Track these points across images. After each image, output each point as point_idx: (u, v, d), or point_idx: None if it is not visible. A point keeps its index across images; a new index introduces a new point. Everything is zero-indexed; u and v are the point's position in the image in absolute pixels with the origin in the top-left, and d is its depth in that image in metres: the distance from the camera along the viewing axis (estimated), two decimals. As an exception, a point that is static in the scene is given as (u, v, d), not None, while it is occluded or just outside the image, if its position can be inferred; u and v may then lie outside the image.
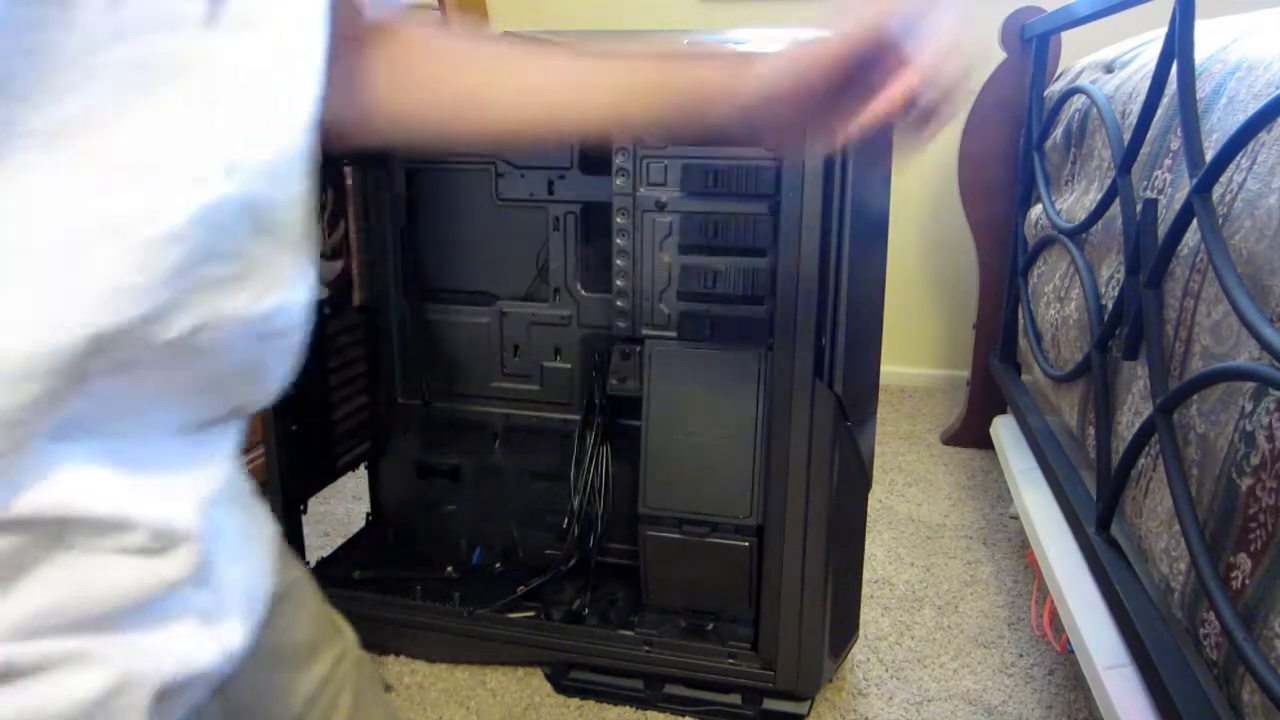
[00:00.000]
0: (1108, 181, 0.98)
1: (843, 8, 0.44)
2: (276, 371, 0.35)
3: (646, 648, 0.99)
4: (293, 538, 1.09)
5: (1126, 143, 0.93)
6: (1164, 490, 0.74)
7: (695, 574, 0.99)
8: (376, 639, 1.08)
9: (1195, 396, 0.71)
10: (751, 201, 0.90)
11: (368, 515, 1.22)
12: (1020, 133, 1.54)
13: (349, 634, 0.47)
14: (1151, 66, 0.90)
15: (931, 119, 0.45)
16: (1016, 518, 1.33)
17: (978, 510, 1.49)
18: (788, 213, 0.85)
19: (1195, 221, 0.71)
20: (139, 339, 0.28)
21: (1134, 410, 0.85)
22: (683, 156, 0.91)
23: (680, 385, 0.94)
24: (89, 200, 0.26)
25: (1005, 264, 1.58)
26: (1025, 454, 1.25)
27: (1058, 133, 1.28)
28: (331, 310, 1.07)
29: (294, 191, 0.33)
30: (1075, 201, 1.16)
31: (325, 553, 1.18)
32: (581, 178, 1.00)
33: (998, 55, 1.58)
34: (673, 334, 0.95)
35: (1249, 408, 0.63)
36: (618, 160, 0.93)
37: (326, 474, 1.12)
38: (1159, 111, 0.89)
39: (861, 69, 0.43)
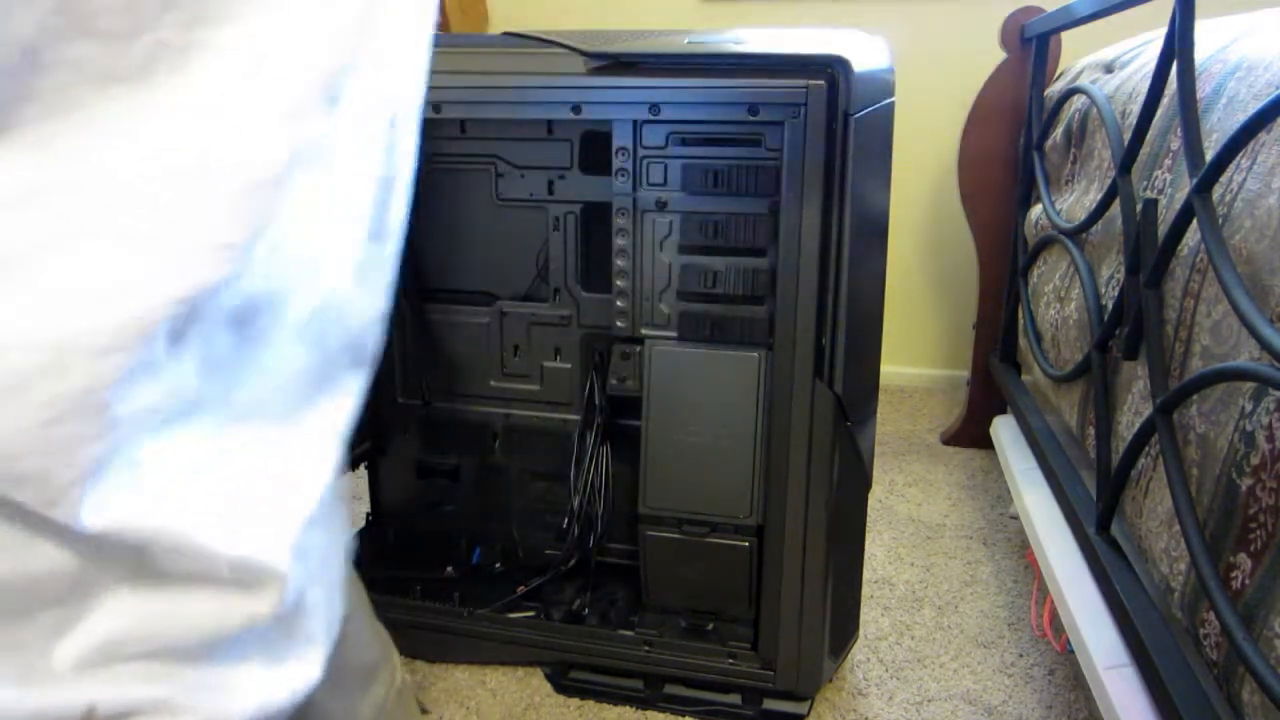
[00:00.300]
0: (1108, 181, 0.98)
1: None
2: (376, 319, 0.32)
3: (646, 648, 0.99)
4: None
5: (1126, 143, 0.93)
6: (1164, 490, 0.74)
7: (695, 574, 0.99)
8: (376, 639, 1.08)
9: (1195, 396, 0.71)
10: (751, 201, 0.90)
11: (368, 515, 1.22)
12: (1020, 133, 1.54)
13: (395, 654, 0.46)
14: (1151, 66, 0.90)
15: None
16: (1016, 518, 1.33)
17: (978, 510, 1.49)
18: (788, 213, 0.85)
19: (1195, 221, 0.72)
20: (235, 298, 0.25)
21: (1134, 410, 0.85)
22: (683, 156, 0.91)
23: (680, 385, 0.94)
24: (177, 146, 0.23)
25: (1005, 264, 1.58)
26: (1025, 454, 1.25)
27: (1058, 133, 1.28)
28: (331, 310, 1.07)
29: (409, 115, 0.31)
30: (1075, 201, 1.16)
31: (325, 553, 1.18)
32: (581, 178, 1.00)
33: (998, 55, 1.58)
34: (673, 334, 0.95)
35: (1249, 408, 0.63)
36: (618, 160, 0.93)
37: (326, 474, 1.12)
38: (1159, 111, 0.89)
39: None
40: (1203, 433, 0.69)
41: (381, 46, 0.29)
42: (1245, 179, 0.68)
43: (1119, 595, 0.79)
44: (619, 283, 0.96)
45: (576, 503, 1.06)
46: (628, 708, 1.01)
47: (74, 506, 0.23)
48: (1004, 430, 1.41)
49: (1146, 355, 0.80)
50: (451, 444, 1.14)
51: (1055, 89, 1.38)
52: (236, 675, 0.29)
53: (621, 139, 0.92)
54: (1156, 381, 0.77)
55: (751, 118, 0.85)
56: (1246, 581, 0.60)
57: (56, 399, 0.22)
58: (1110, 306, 0.93)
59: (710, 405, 0.93)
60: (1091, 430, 0.96)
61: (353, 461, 1.16)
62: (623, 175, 0.93)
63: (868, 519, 1.02)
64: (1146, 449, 0.80)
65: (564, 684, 1.04)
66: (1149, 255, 0.81)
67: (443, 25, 1.84)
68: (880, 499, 1.52)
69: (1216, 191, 0.71)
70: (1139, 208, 0.86)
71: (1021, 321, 1.38)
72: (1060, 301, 1.14)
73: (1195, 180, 0.69)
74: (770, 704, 0.99)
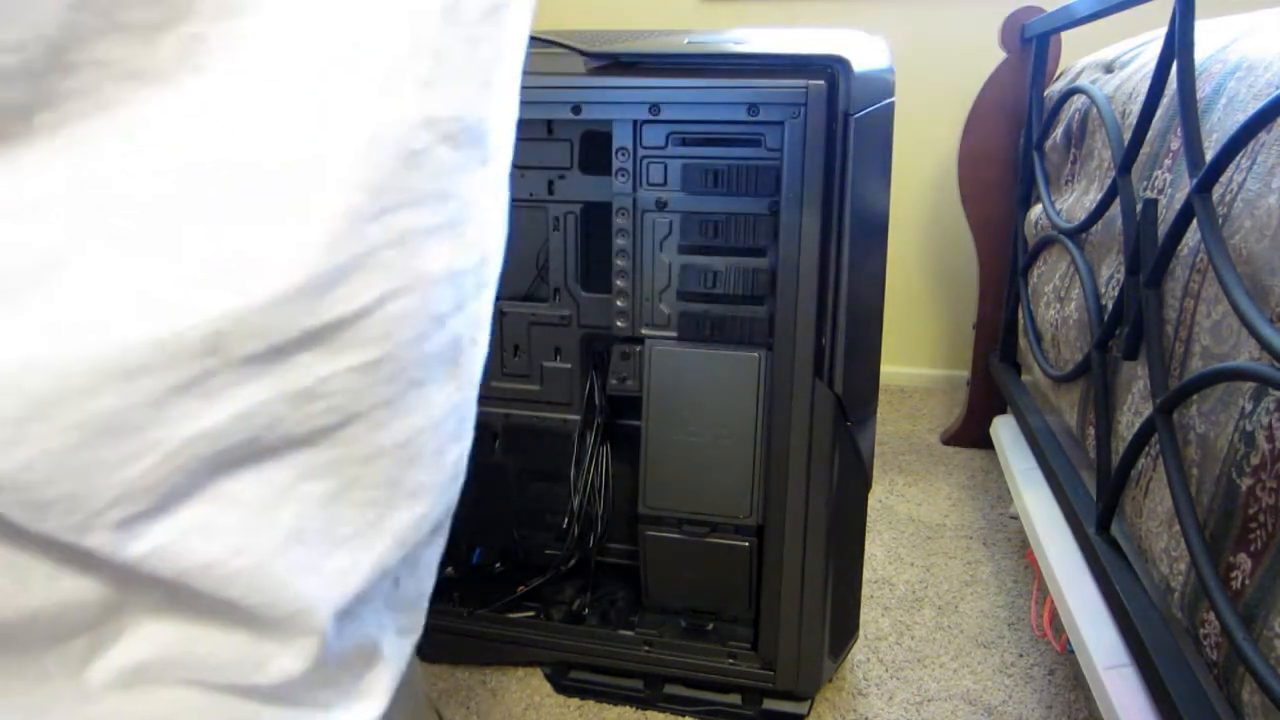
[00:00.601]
0: (1108, 181, 0.98)
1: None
2: (481, 342, 0.30)
3: (646, 648, 0.99)
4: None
5: (1126, 143, 0.93)
6: (1164, 490, 0.74)
7: (695, 574, 0.99)
8: (376, 639, 1.08)
9: (1195, 396, 0.71)
10: (751, 201, 0.90)
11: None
12: (1020, 133, 1.54)
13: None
14: (1151, 66, 0.90)
15: None
16: (1016, 518, 1.33)
17: (978, 510, 1.49)
18: (788, 213, 0.85)
19: (1195, 221, 0.72)
20: (298, 318, 0.23)
21: (1134, 410, 0.85)
22: (683, 157, 0.91)
23: (680, 385, 0.94)
24: (213, 149, 0.21)
25: (1005, 264, 1.58)
26: (1025, 454, 1.25)
27: (1058, 133, 1.28)
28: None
29: (507, 102, 0.28)
30: (1075, 201, 1.16)
31: (325, 553, 1.18)
32: (581, 178, 1.00)
33: (998, 55, 1.58)
34: (673, 334, 0.95)
35: (1249, 408, 0.63)
36: (618, 160, 0.93)
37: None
38: (1159, 111, 0.89)
39: None
40: (1203, 433, 0.69)
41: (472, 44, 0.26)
42: (1245, 179, 0.68)
43: (1119, 595, 0.79)
44: (619, 283, 0.96)
45: (576, 503, 1.06)
46: (628, 708, 1.01)
47: (108, 533, 0.22)
48: (1004, 430, 1.41)
49: (1146, 355, 0.80)
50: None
51: (1055, 89, 1.38)
52: (295, 708, 0.27)
53: (621, 139, 0.92)
54: (1156, 381, 0.77)
55: (751, 118, 0.85)
56: (1246, 581, 0.60)
57: (85, 421, 0.20)
58: (1110, 306, 0.93)
59: (710, 405, 0.93)
60: (1091, 430, 0.96)
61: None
62: (623, 175, 0.93)
63: (868, 519, 1.02)
64: (1146, 449, 0.80)
65: (564, 684, 1.04)
66: (1149, 255, 0.81)
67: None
68: (880, 499, 1.52)
69: (1216, 191, 0.71)
70: (1139, 208, 0.86)
71: (1021, 321, 1.38)
72: (1060, 301, 1.14)
73: (1195, 180, 0.69)
74: (770, 704, 0.99)
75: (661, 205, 0.93)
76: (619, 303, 0.97)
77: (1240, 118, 0.68)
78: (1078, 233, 1.08)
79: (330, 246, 0.23)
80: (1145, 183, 0.89)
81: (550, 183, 1.01)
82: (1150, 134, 0.90)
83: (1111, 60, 1.19)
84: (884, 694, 1.05)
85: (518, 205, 1.04)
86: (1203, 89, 0.80)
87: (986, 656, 1.11)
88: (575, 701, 1.03)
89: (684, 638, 1.00)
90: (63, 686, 0.24)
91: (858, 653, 1.12)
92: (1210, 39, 0.87)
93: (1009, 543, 1.38)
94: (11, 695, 0.23)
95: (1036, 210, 1.34)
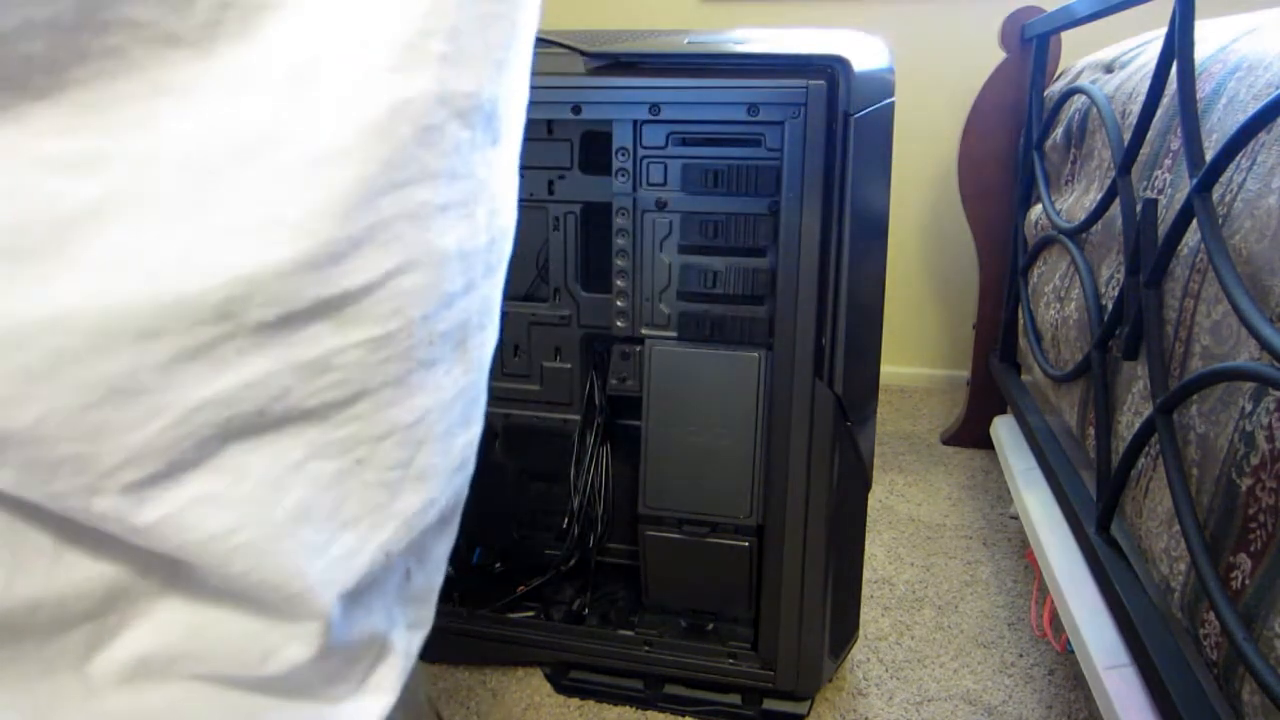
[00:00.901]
0: (1108, 181, 0.98)
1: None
2: (489, 327, 0.30)
3: (646, 648, 0.99)
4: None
5: (1126, 143, 0.93)
6: (1164, 490, 0.74)
7: (695, 574, 0.99)
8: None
9: (1195, 396, 0.71)
10: (751, 201, 0.90)
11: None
12: (1020, 133, 1.54)
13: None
14: (1151, 66, 0.90)
15: None
16: (1016, 518, 1.33)
17: (978, 510, 1.49)
18: (788, 213, 0.85)
19: (1195, 221, 0.72)
20: (310, 287, 0.23)
21: (1134, 410, 0.85)
22: (683, 156, 0.91)
23: (680, 385, 0.94)
24: (243, 115, 0.21)
25: (1005, 264, 1.58)
26: (1025, 454, 1.25)
27: (1058, 133, 1.28)
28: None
29: (518, 85, 0.28)
30: (1075, 201, 1.16)
31: (325, 553, 1.18)
32: (581, 178, 1.00)
33: (998, 55, 1.58)
34: (673, 334, 0.95)
35: (1249, 408, 0.63)
36: (618, 160, 0.93)
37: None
38: (1159, 111, 0.89)
39: None
40: (1203, 433, 0.69)
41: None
42: (1245, 179, 0.68)
43: (1119, 595, 0.79)
44: (619, 283, 0.96)
45: (576, 503, 1.06)
46: (628, 708, 1.01)
47: (116, 498, 0.22)
48: (1004, 430, 1.41)
49: (1146, 355, 0.80)
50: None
51: (1055, 89, 1.38)
52: (284, 713, 0.27)
53: (621, 139, 0.92)
54: (1156, 381, 0.77)
55: (751, 118, 0.85)
56: (1246, 581, 0.60)
57: (96, 381, 0.20)
58: (1110, 306, 0.93)
59: (710, 405, 0.93)
60: (1091, 430, 0.96)
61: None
62: (623, 175, 0.93)
63: (868, 519, 1.02)
64: (1146, 449, 0.80)
65: (564, 684, 1.04)
66: (1149, 255, 0.81)
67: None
68: (880, 499, 1.52)
69: (1216, 191, 0.71)
70: (1139, 208, 0.86)
71: (1021, 321, 1.38)
72: (1060, 301, 1.14)
73: (1195, 180, 0.69)
74: (770, 704, 0.99)
75: (661, 205, 0.93)
76: (619, 303, 0.97)
77: (1240, 118, 0.68)
78: (1078, 233, 1.08)
79: (344, 216, 0.23)
80: (1145, 183, 0.89)
81: (550, 183, 1.01)
82: (1150, 134, 0.90)
83: (1111, 60, 1.19)
84: (884, 694, 1.05)
85: (518, 205, 1.03)
86: (1203, 89, 0.80)
87: (986, 656, 1.11)
88: (575, 701, 1.03)
89: (684, 638, 1.00)
90: (66, 681, 0.24)
91: (858, 653, 1.12)
92: (1210, 39, 0.87)
93: (1009, 543, 1.38)
94: (13, 690, 0.23)
95: (1036, 210, 1.34)
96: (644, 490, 0.97)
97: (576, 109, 0.89)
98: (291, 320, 0.23)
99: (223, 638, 0.25)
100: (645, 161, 0.92)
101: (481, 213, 0.27)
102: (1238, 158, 0.69)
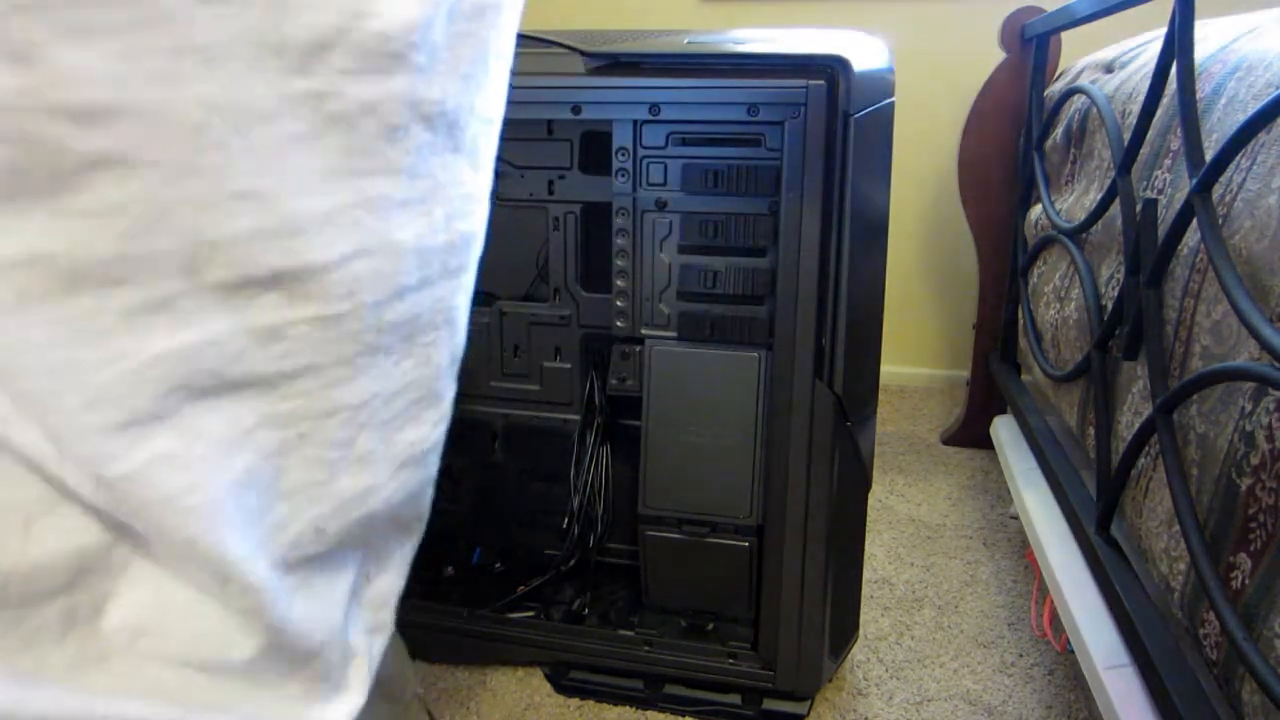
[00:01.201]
0: (1108, 181, 0.98)
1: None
2: (445, 329, 0.31)
3: (646, 648, 0.99)
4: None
5: (1126, 143, 0.93)
6: (1164, 490, 0.74)
7: (695, 574, 0.99)
8: (376, 639, 1.08)
9: (1195, 396, 0.71)
10: (751, 201, 0.90)
11: (368, 515, 1.22)
12: (1020, 133, 1.54)
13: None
14: (1151, 66, 0.90)
15: None
16: (1016, 518, 1.33)
17: (978, 510, 1.49)
18: (788, 213, 0.85)
19: (1195, 221, 0.72)
20: (270, 256, 0.24)
21: (1134, 410, 0.85)
22: (683, 156, 0.91)
23: (680, 385, 0.94)
24: (228, 86, 0.22)
25: (1005, 264, 1.58)
26: (1025, 454, 1.25)
27: (1058, 133, 1.28)
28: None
29: (486, 100, 0.29)
30: (1075, 201, 1.16)
31: (325, 553, 1.18)
32: (581, 178, 1.00)
33: (998, 55, 1.58)
34: (673, 334, 0.95)
35: (1249, 408, 0.63)
36: (618, 160, 0.93)
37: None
38: (1159, 111, 0.89)
39: None
40: (1203, 433, 0.69)
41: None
42: (1245, 179, 0.68)
43: (1119, 595, 0.79)
44: (619, 283, 0.96)
45: (576, 503, 1.06)
46: (628, 708, 1.01)
47: (89, 443, 0.22)
48: (1004, 430, 1.41)
49: (1146, 355, 0.80)
50: (451, 444, 1.14)
51: (1055, 89, 1.39)
52: (250, 706, 0.28)
53: (621, 139, 0.92)
54: (1156, 381, 0.77)
55: (751, 118, 0.85)
56: (1246, 581, 0.60)
57: (63, 318, 0.22)
58: (1110, 306, 0.93)
59: (710, 405, 0.93)
60: (1091, 430, 0.96)
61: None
62: (623, 175, 0.93)
63: (868, 519, 1.02)
64: (1146, 449, 0.80)
65: (564, 684, 1.04)
66: (1149, 255, 0.81)
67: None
68: (880, 499, 1.52)
69: (1216, 191, 0.71)
70: (1139, 208, 0.86)
71: (1021, 321, 1.38)
72: (1060, 301, 1.14)
73: (1195, 180, 0.69)
74: (770, 704, 0.99)
75: (661, 205, 0.93)
76: (619, 303, 0.97)
77: (1240, 118, 0.68)
78: (1078, 233, 1.08)
79: (307, 195, 0.24)
80: (1145, 183, 0.89)
81: (550, 183, 1.01)
82: (1150, 134, 0.90)
83: (1111, 60, 1.19)
84: (884, 694, 1.05)
85: (518, 205, 1.04)
86: (1203, 89, 0.80)
87: (986, 656, 1.11)
88: (575, 701, 1.03)
89: (684, 638, 1.00)
90: (48, 654, 0.25)
91: (858, 653, 1.12)
92: (1210, 39, 0.87)
93: (1009, 543, 1.38)
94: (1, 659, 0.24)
95: (1036, 210, 1.34)
96: (644, 490, 0.97)
97: (576, 109, 0.89)
98: (249, 285, 0.24)
99: (184, 618, 0.26)
100: (645, 161, 0.92)
101: (439, 213, 0.29)
102: (1238, 158, 0.69)
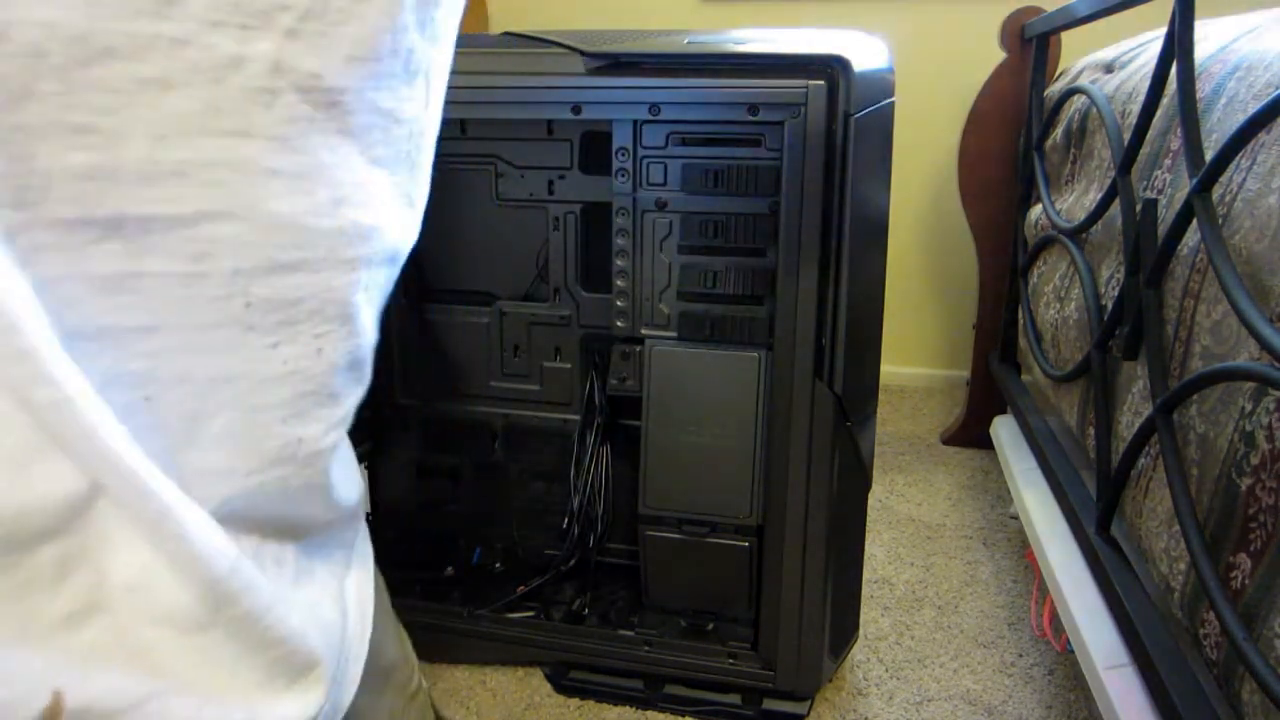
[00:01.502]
0: (1108, 181, 0.98)
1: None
2: (341, 327, 0.30)
3: (646, 648, 0.99)
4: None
5: (1126, 143, 0.93)
6: (1164, 490, 0.74)
7: (695, 574, 0.99)
8: (376, 639, 1.08)
9: (1195, 396, 0.71)
10: (751, 201, 0.90)
11: (367, 515, 1.22)
12: (1020, 133, 1.54)
13: (414, 657, 0.46)
14: (1151, 66, 0.90)
15: None
16: (1016, 518, 1.33)
17: (978, 510, 1.49)
18: (788, 213, 0.85)
19: (1195, 221, 0.72)
20: (111, 197, 0.23)
21: (1134, 410, 0.85)
22: (683, 156, 0.91)
23: (680, 385, 0.94)
24: (94, 20, 0.23)
25: (1005, 264, 1.58)
26: (1025, 454, 1.25)
27: (1058, 133, 1.28)
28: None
29: (387, 85, 0.29)
30: (1075, 201, 1.16)
31: (325, 553, 1.18)
32: (581, 178, 1.00)
33: (998, 55, 1.58)
34: (673, 334, 0.95)
35: (1249, 408, 0.63)
36: (618, 160, 0.93)
37: (326, 474, 1.12)
38: (1159, 111, 0.89)
39: None
40: (1203, 433, 0.69)
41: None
42: (1245, 179, 0.68)
43: (1119, 595, 0.79)
44: (619, 283, 0.96)
45: (576, 503, 1.06)
46: (628, 708, 1.01)
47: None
48: (1004, 430, 1.41)
49: (1146, 355, 0.80)
50: (451, 444, 1.14)
51: (1055, 89, 1.38)
52: (224, 688, 0.27)
53: (621, 139, 0.92)
54: (1156, 381, 0.77)
55: (751, 118, 0.85)
56: (1246, 581, 0.60)
57: None
58: (1110, 306, 0.93)
59: (710, 405, 0.93)
60: (1091, 430, 0.96)
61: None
62: (623, 175, 0.93)
63: (868, 519, 1.02)
64: (1146, 449, 0.80)
65: (564, 684, 1.04)
66: (1149, 255, 0.81)
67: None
68: (880, 499, 1.52)
69: (1216, 191, 0.71)
70: (1139, 208, 0.86)
71: (1021, 321, 1.38)
72: (1060, 301, 1.14)
73: (1195, 180, 0.69)
74: (770, 704, 0.99)
75: (661, 205, 0.93)
76: (619, 303, 0.97)
77: (1240, 118, 0.68)
78: (1078, 233, 1.08)
79: (157, 141, 0.23)
80: (1145, 183, 0.89)
81: (550, 183, 1.01)
82: (1150, 134, 0.90)
83: (1111, 60, 1.19)
84: (884, 694, 1.05)
85: (518, 205, 1.04)
86: (1203, 89, 0.80)
87: (986, 656, 1.11)
88: (575, 701, 1.03)
89: (684, 638, 1.00)
90: (40, 604, 0.24)
91: (858, 653, 1.12)
92: (1210, 39, 0.87)
93: (1009, 543, 1.38)
94: None
95: (1036, 210, 1.34)
96: (644, 490, 0.97)
97: (576, 109, 0.89)
98: (90, 225, 0.23)
99: (149, 573, 0.26)
100: (645, 161, 0.92)
101: (324, 194, 0.28)
102: (1238, 158, 0.69)
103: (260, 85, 0.25)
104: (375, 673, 0.39)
